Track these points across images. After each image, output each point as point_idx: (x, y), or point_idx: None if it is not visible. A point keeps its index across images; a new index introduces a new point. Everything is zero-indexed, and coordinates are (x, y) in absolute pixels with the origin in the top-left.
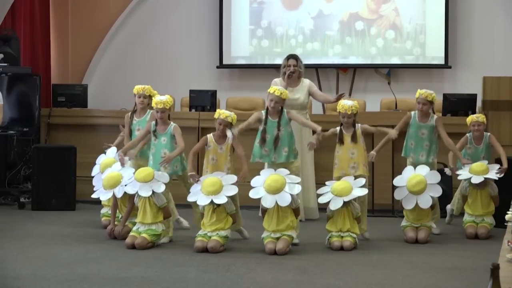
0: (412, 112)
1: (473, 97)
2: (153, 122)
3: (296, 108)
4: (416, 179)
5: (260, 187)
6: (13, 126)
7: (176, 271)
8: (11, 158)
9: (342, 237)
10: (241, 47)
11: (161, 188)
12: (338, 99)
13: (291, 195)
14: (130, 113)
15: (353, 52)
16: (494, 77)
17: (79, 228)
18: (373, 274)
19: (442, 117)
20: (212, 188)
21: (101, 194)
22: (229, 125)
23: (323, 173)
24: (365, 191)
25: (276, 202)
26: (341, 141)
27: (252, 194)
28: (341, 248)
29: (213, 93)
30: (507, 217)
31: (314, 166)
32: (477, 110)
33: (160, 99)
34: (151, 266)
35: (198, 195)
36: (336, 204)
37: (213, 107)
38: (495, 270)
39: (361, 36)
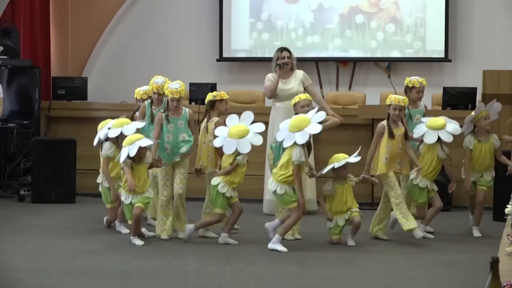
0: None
1: (473, 90)
2: (162, 111)
3: (289, 99)
4: (436, 120)
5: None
6: (13, 119)
7: (175, 263)
8: (11, 151)
9: (346, 219)
10: (241, 40)
11: (147, 142)
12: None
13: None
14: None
15: (353, 46)
16: (494, 71)
17: (78, 221)
18: (373, 267)
19: (442, 110)
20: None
21: (110, 132)
22: None
23: (323, 166)
24: (358, 159)
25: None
26: (392, 135)
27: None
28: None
29: (213, 86)
30: (506, 210)
31: (314, 159)
32: (477, 103)
33: (175, 89)
34: (150, 259)
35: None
36: (326, 168)
37: None
38: (494, 264)
39: (361, 29)
